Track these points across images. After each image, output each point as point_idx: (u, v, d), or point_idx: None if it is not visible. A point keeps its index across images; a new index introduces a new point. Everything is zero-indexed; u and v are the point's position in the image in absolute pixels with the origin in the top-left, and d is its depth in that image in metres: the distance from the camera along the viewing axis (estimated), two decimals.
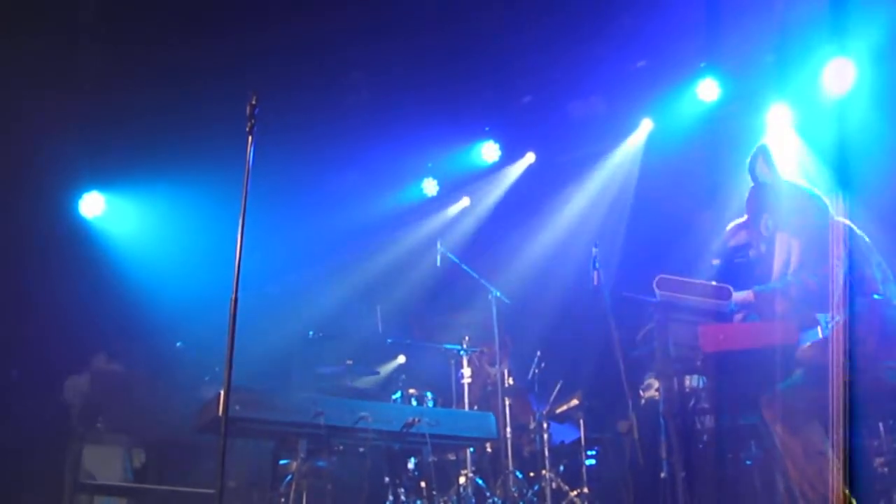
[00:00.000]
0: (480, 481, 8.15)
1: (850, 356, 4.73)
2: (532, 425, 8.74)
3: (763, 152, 5.77)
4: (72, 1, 8.29)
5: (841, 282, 5.10)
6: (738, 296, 5.78)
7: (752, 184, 5.90)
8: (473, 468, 8.15)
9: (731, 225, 6.18)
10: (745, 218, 6.01)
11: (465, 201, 11.26)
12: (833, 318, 5.20)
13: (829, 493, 4.87)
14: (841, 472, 4.60)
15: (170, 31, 8.51)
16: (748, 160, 5.82)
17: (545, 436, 8.44)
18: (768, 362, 5.31)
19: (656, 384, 7.30)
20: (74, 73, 8.81)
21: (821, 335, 5.33)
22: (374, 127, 9.72)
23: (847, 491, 4.60)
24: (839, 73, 8.18)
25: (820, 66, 8.33)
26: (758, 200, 5.84)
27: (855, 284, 5.25)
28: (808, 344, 5.36)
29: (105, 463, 8.11)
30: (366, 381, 9.22)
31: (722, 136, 9.10)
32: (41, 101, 8.49)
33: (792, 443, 5.20)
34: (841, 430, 4.40)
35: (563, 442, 8.86)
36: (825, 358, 4.80)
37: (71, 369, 8.69)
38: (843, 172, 5.49)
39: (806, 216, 5.57)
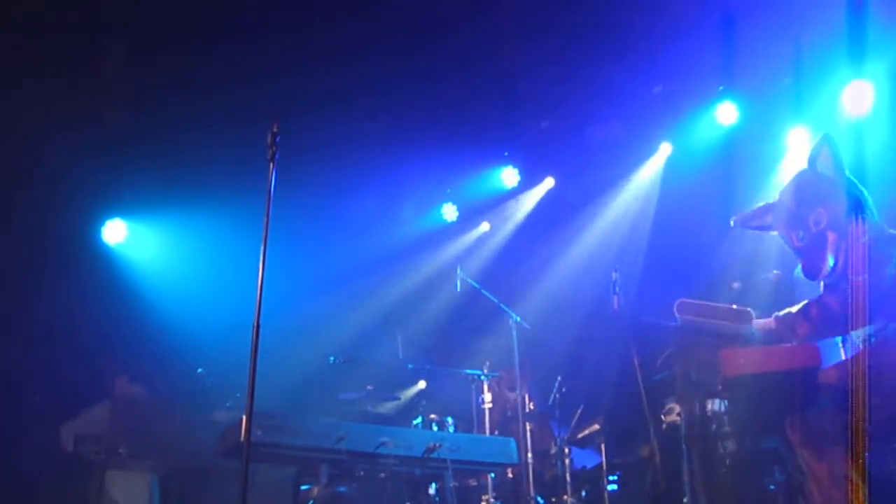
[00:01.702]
0: None
1: (877, 380, 4.69)
2: (553, 450, 8.71)
3: (829, 143, 5.47)
4: (94, 31, 8.37)
5: (862, 300, 5.00)
6: (759, 322, 5.73)
7: (804, 167, 5.63)
8: (495, 494, 8.11)
9: (760, 203, 5.97)
10: (775, 199, 5.79)
11: (484, 226, 11.28)
12: (867, 336, 5.09)
13: None
14: (865, 497, 4.55)
15: (191, 61, 8.59)
16: (812, 147, 5.58)
17: (567, 461, 8.40)
18: (790, 385, 5.26)
19: (678, 408, 7.26)
20: (97, 102, 8.91)
21: (843, 355, 5.27)
22: (393, 153, 9.76)
23: None
24: (858, 96, 8.16)
25: (839, 88, 8.32)
26: (812, 190, 5.55)
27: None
28: (832, 366, 5.29)
29: (128, 489, 8.13)
30: (386, 407, 9.23)
31: (741, 160, 9.09)
32: (64, 129, 8.58)
33: (817, 467, 5.15)
34: (862, 454, 4.36)
35: (584, 467, 8.81)
36: (850, 381, 4.76)
37: (70, 413, 8.68)
38: (863, 195, 5.44)
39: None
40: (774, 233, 5.85)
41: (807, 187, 5.57)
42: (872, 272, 5.07)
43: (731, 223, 6.18)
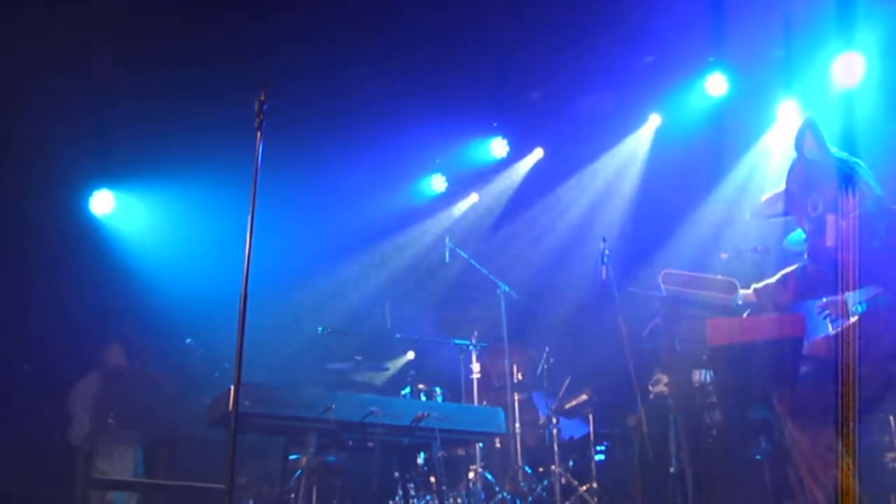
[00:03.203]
0: (489, 476, 8.17)
1: (865, 351, 4.70)
2: (541, 421, 8.77)
3: (810, 126, 5.43)
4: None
5: (848, 270, 4.98)
6: (744, 293, 5.75)
7: (795, 155, 5.61)
8: (482, 463, 8.16)
9: (767, 195, 5.94)
10: (781, 189, 5.78)
11: (473, 197, 11.27)
12: (856, 304, 5.09)
13: (838, 488, 4.85)
14: (851, 467, 4.59)
15: (179, 29, 8.53)
16: (795, 134, 5.55)
17: (554, 431, 8.46)
18: (776, 355, 5.28)
19: (665, 379, 7.31)
20: (85, 71, 8.84)
21: (829, 327, 5.29)
22: (381, 123, 9.71)
23: (856, 486, 4.59)
24: (848, 67, 8.17)
25: (829, 60, 8.32)
26: (805, 177, 5.54)
27: (889, 279, 5.13)
28: (821, 337, 5.31)
29: (114, 459, 8.15)
30: (375, 377, 9.23)
31: (730, 131, 9.10)
32: (51, 99, 8.51)
33: (800, 437, 5.18)
34: (851, 425, 4.38)
35: (572, 437, 8.88)
36: (837, 352, 4.78)
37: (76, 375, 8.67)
38: (855, 169, 5.43)
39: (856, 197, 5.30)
40: (790, 218, 5.81)
41: (800, 174, 5.56)
42: (860, 244, 5.08)
43: (747, 217, 6.16)
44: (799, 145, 5.47)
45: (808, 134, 5.42)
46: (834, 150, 5.43)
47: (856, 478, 4.56)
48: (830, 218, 5.34)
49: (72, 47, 8.54)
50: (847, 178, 5.29)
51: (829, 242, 5.33)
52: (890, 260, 5.15)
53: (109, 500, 7.98)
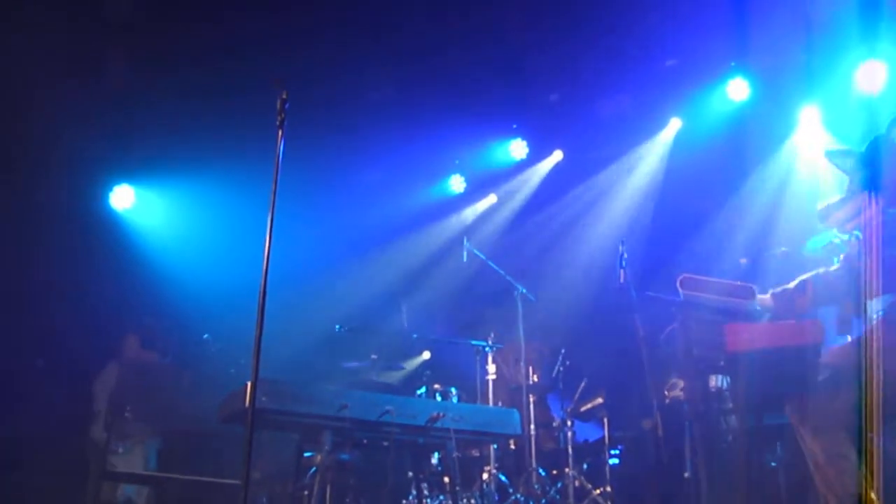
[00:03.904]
0: (503, 478, 8.17)
1: (884, 356, 4.66)
2: (556, 423, 8.76)
3: None
4: None
5: (870, 275, 4.93)
6: (762, 298, 5.72)
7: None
8: (497, 464, 8.16)
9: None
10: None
11: (492, 198, 11.28)
12: (878, 311, 5.05)
13: (853, 497, 4.83)
14: (868, 476, 4.55)
15: (199, 28, 8.56)
16: None
17: (569, 434, 8.45)
18: (793, 362, 5.26)
19: (681, 384, 7.29)
20: (105, 67, 8.89)
21: (848, 335, 5.26)
22: (401, 124, 9.73)
23: (874, 496, 4.56)
24: (871, 75, 8.14)
25: (852, 67, 8.30)
26: (869, 150, 5.47)
27: None
28: (839, 346, 5.27)
29: (129, 452, 8.18)
30: (390, 376, 9.25)
31: (751, 137, 9.07)
32: (72, 94, 8.56)
33: (814, 445, 5.16)
34: (870, 434, 4.35)
35: (586, 440, 8.87)
36: (856, 360, 4.74)
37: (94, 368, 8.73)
38: (875, 174, 5.38)
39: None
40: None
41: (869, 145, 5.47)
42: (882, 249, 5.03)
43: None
44: (892, 125, 5.34)
45: None
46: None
47: (875, 488, 4.53)
48: (861, 196, 5.24)
49: (92, 45, 8.59)
50: (874, 176, 5.23)
51: (841, 213, 5.29)
52: None
53: (122, 492, 8.01)
